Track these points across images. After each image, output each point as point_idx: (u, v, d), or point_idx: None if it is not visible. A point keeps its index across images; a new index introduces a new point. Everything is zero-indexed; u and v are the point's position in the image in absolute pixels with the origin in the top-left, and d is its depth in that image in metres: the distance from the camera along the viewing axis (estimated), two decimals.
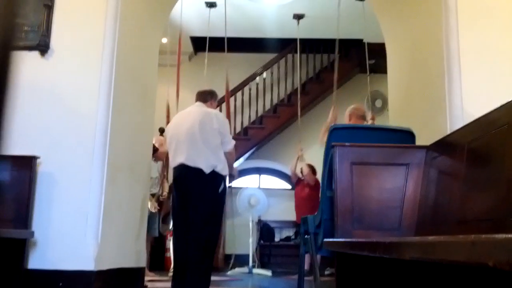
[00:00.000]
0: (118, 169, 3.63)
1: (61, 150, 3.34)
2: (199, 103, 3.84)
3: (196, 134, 3.59)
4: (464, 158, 2.10)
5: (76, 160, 3.34)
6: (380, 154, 2.59)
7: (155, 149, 5.21)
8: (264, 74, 8.57)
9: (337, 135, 2.85)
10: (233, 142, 3.79)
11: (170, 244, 5.98)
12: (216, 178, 3.60)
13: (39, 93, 3.41)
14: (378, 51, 5.27)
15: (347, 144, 2.59)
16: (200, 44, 8.62)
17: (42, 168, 3.29)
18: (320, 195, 3.01)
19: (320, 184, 3.16)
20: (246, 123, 8.44)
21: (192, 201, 3.55)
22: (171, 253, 5.96)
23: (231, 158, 3.81)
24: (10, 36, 0.54)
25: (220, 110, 7.22)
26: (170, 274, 4.40)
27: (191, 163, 3.55)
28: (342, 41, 6.09)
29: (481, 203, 1.89)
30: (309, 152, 6.69)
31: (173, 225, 3.78)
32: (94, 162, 3.32)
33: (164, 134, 5.00)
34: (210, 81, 6.75)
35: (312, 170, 6.57)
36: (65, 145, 3.35)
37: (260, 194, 7.61)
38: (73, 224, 3.25)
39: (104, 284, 3.31)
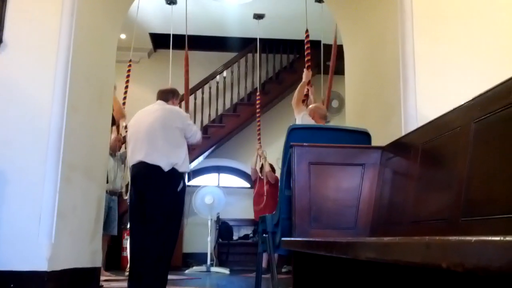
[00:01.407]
0: (73, 168, 3.54)
1: (13, 148, 3.23)
2: (160, 102, 3.80)
3: (157, 131, 3.55)
4: (418, 159, 2.16)
5: (30, 158, 3.23)
6: (337, 154, 2.63)
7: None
8: (224, 73, 8.55)
9: (296, 135, 2.88)
10: (199, 132, 3.82)
11: (127, 243, 5.89)
12: (175, 176, 3.57)
13: None
14: (337, 52, 5.35)
15: (305, 144, 2.62)
16: (159, 41, 8.52)
17: None
18: (278, 194, 3.03)
19: (279, 183, 3.18)
20: (206, 122, 8.40)
21: (150, 200, 3.51)
22: (127, 252, 5.88)
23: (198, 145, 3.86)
24: None
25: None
26: (127, 273, 4.33)
27: (149, 160, 3.51)
28: (301, 42, 6.14)
29: (435, 203, 1.95)
30: (268, 151, 6.70)
31: (130, 224, 3.72)
32: (48, 161, 3.23)
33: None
34: (171, 77, 6.69)
35: (272, 169, 6.61)
36: (18, 143, 3.24)
37: (218, 192, 7.59)
38: (26, 224, 3.15)
39: (57, 285, 3.23)
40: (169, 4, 7.19)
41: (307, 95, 4.78)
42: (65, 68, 3.36)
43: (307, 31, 5.48)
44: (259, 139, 6.65)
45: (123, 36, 7.31)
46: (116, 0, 4.45)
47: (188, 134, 3.68)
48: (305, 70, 5.02)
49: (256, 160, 6.77)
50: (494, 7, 3.33)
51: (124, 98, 5.67)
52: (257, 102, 6.91)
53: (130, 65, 5.82)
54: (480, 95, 1.74)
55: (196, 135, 3.75)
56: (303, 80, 4.85)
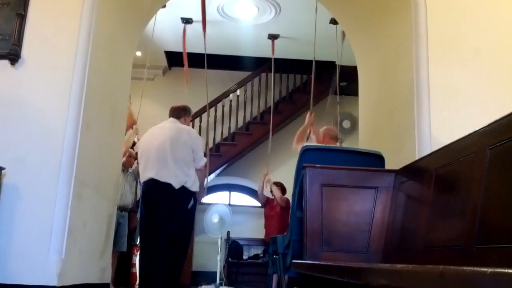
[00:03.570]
0: (85, 185, 3.55)
1: (27, 163, 3.26)
2: (172, 119, 3.82)
3: (167, 150, 3.56)
4: (432, 184, 2.14)
5: (42, 174, 3.25)
6: (350, 176, 2.62)
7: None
8: (238, 92, 8.59)
9: (308, 156, 2.87)
10: (204, 159, 3.78)
11: (137, 260, 5.87)
12: (185, 194, 3.57)
13: (7, 103, 3.33)
14: (350, 73, 5.36)
15: (317, 166, 2.61)
16: (174, 58, 8.60)
17: (7, 180, 3.19)
18: (290, 215, 3.01)
19: (290, 204, 3.16)
20: (218, 139, 8.41)
21: (160, 217, 3.51)
22: (137, 269, 5.85)
23: (202, 175, 3.79)
24: None
25: (193, 126, 7.21)
26: None
27: (160, 178, 3.52)
28: (315, 63, 6.17)
29: (448, 230, 1.92)
30: (279, 171, 6.69)
31: (140, 241, 3.72)
32: (61, 177, 3.24)
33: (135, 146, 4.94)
34: (184, 95, 6.73)
35: (282, 188, 6.57)
36: (32, 158, 3.27)
37: (229, 211, 7.57)
38: (37, 239, 3.16)
39: None
40: (185, 23, 7.28)
41: (308, 137, 4.61)
42: (80, 87, 3.39)
43: (311, 71, 5.44)
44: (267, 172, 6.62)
45: (138, 53, 7.40)
46: (133, 19, 4.52)
47: (195, 155, 3.67)
48: (308, 113, 4.84)
49: (263, 185, 6.74)
50: (508, 35, 3.33)
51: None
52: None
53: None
54: (495, 121, 1.73)
55: (201, 160, 3.73)
56: (305, 123, 4.68)
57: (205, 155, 3.86)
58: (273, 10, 7.07)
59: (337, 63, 6.51)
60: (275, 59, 7.70)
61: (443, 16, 3.35)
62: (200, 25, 6.05)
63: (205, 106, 6.66)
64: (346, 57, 5.88)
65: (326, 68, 8.11)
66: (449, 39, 3.32)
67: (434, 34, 3.30)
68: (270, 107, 7.77)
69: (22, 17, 3.45)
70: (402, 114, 3.50)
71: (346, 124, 8.77)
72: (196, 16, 6.70)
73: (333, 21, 6.29)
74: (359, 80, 4.68)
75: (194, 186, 3.62)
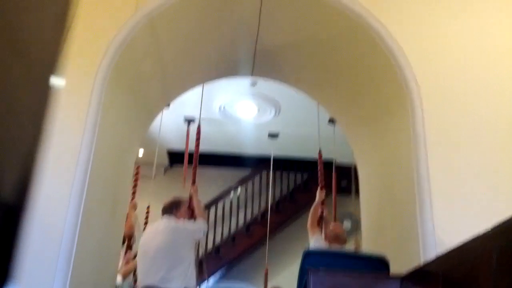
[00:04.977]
0: (81, 286, 3.40)
1: (20, 263, 3.13)
2: (166, 216, 3.83)
3: (164, 255, 3.56)
4: None
5: (37, 275, 3.12)
6: (355, 282, 2.51)
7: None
8: (238, 190, 8.56)
9: (311, 260, 2.78)
10: (202, 224, 3.82)
11: None
12: None
13: None
14: (350, 172, 5.37)
15: (321, 269, 2.51)
16: (175, 157, 8.68)
17: None
18: None
19: None
20: (218, 241, 8.22)
21: None
22: None
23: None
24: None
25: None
26: None
27: (161, 284, 3.43)
28: (314, 162, 6.20)
29: None
30: (281, 275, 6.47)
31: None
32: (56, 278, 3.11)
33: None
34: (185, 194, 6.69)
35: None
36: (26, 258, 3.15)
37: None
38: None
39: None
40: (188, 122, 7.44)
41: (321, 216, 4.70)
42: (81, 185, 3.36)
43: (320, 151, 5.56)
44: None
45: (141, 152, 7.48)
46: (138, 117, 4.61)
47: (196, 237, 3.76)
48: (318, 189, 5.00)
49: None
50: (509, 133, 3.36)
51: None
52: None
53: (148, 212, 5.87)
54: (501, 224, 1.67)
55: (200, 232, 3.82)
56: (317, 200, 4.81)
57: (202, 261, 3.84)
58: (273, 110, 7.26)
59: (334, 162, 6.55)
60: (275, 157, 7.77)
61: (440, 116, 3.41)
62: (203, 123, 6.18)
63: (204, 206, 6.61)
64: (346, 156, 5.93)
65: (325, 167, 8.15)
66: (448, 139, 3.35)
67: (432, 134, 3.34)
68: (270, 206, 7.70)
69: None
70: (404, 214, 3.45)
71: (347, 224, 8.63)
72: (198, 116, 6.87)
73: (332, 121, 6.43)
74: (360, 179, 4.68)
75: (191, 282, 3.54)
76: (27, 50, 0.57)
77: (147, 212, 5.74)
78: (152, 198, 7.24)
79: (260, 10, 3.81)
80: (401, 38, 3.60)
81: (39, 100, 0.59)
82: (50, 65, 0.62)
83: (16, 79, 0.56)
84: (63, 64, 0.66)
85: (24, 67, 0.57)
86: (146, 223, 5.59)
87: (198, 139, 5.39)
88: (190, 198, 4.13)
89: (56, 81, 0.63)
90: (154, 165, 6.31)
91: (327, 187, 8.35)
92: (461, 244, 1.96)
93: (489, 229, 1.75)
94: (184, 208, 4.00)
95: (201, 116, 5.72)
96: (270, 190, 7.93)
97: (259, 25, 3.96)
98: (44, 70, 0.61)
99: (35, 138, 0.59)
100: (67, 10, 0.65)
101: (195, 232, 3.77)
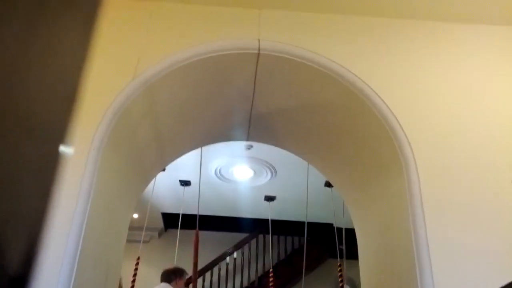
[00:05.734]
0: None
1: None
2: (164, 284, 3.70)
3: None
4: None
5: None
6: None
7: None
8: (235, 254, 8.42)
9: None
10: None
11: None
12: None
13: None
14: (349, 236, 5.32)
15: None
16: (170, 220, 8.61)
17: None
18: None
19: None
20: None
21: None
22: None
23: None
24: None
25: None
26: None
27: None
28: (312, 225, 6.17)
29: None
30: None
31: None
32: None
33: None
34: (179, 258, 6.58)
35: None
36: None
37: None
38: None
39: None
40: (183, 185, 7.44)
41: None
42: (74, 252, 3.30)
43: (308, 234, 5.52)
44: None
45: (135, 215, 7.42)
46: (133, 181, 4.61)
47: None
48: None
49: None
50: (503, 191, 3.37)
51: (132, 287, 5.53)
52: (271, 284, 6.66)
53: (137, 263, 5.77)
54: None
55: None
56: None
57: None
58: (269, 173, 7.29)
59: (334, 225, 6.51)
60: (272, 220, 7.71)
61: (435, 176, 3.43)
62: (197, 187, 6.17)
63: (200, 270, 6.48)
64: (344, 220, 5.90)
65: (323, 230, 8.10)
66: (445, 201, 3.35)
67: (429, 197, 3.34)
68: (268, 271, 7.56)
69: None
70: (404, 277, 3.39)
71: None
72: (194, 178, 6.88)
73: (328, 184, 6.44)
74: (358, 243, 4.63)
75: None
76: (38, 127, 0.60)
77: (137, 264, 5.58)
78: (147, 262, 7.12)
79: (255, 78, 3.92)
80: (392, 103, 3.67)
81: (46, 173, 0.61)
82: (59, 139, 0.64)
83: (25, 155, 0.58)
84: (70, 137, 0.69)
85: (34, 144, 0.59)
86: (134, 280, 5.42)
87: (196, 244, 4.90)
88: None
89: (64, 152, 0.65)
90: (144, 227, 6.22)
91: (327, 251, 8.27)
92: None
93: None
94: (184, 280, 3.90)
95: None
96: (270, 253, 7.81)
97: (254, 92, 4.06)
98: (53, 144, 0.63)
99: (42, 210, 0.60)
100: (78, 85, 0.68)
101: None
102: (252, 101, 4.19)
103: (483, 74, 3.83)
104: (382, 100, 3.67)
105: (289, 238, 8.68)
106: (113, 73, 3.84)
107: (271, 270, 7.39)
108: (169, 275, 3.78)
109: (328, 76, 3.80)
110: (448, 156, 3.51)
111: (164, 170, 6.15)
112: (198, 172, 6.00)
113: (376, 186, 4.12)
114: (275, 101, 4.30)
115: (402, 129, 3.57)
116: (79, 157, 3.54)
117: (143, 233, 6.39)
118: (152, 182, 5.52)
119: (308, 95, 4.12)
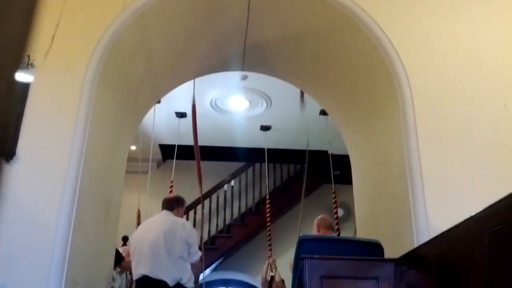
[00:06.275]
0: (76, 284, 3.43)
1: (15, 262, 3.15)
2: (165, 212, 3.78)
3: (161, 244, 3.49)
4: (433, 273, 2.10)
5: (32, 273, 3.14)
6: (350, 267, 2.56)
7: (121, 258, 4.95)
8: (232, 182, 8.61)
9: (306, 247, 2.82)
10: (199, 253, 3.70)
11: None
12: None
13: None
14: (343, 162, 5.42)
15: (316, 256, 2.56)
16: (168, 151, 8.70)
17: None
18: None
19: None
20: (213, 232, 8.29)
21: None
22: None
23: (196, 270, 3.69)
24: None
25: (187, 219, 7.14)
26: None
27: (154, 275, 3.42)
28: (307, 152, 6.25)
29: None
30: (278, 264, 6.51)
31: None
32: (51, 276, 3.13)
33: (128, 242, 4.85)
34: (178, 188, 6.73)
35: (282, 282, 6.37)
36: (21, 257, 3.18)
37: None
38: None
39: None
40: (179, 117, 7.46)
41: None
42: (74, 184, 3.35)
43: (304, 161, 5.59)
44: (270, 248, 6.50)
45: (133, 147, 7.49)
46: (129, 114, 4.61)
47: (189, 249, 3.58)
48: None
49: (267, 270, 6.54)
50: (495, 118, 3.42)
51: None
52: (267, 210, 6.86)
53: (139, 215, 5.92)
54: (492, 205, 1.73)
55: (196, 254, 3.64)
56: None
57: (200, 249, 3.78)
58: (264, 103, 7.30)
59: (329, 152, 6.61)
60: (268, 149, 7.81)
61: (430, 105, 3.46)
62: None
63: (199, 198, 6.64)
64: (338, 146, 5.99)
65: (318, 157, 8.22)
66: (438, 127, 3.40)
67: (422, 123, 3.39)
68: (265, 197, 7.76)
69: (18, 115, 3.50)
70: (397, 202, 3.50)
71: (340, 212, 8.72)
72: (190, 110, 6.89)
73: (323, 112, 6.47)
74: (352, 169, 4.73)
75: (190, 282, 3.50)
76: None
77: (138, 216, 5.78)
78: (146, 193, 7.28)
79: (249, 6, 3.83)
80: (391, 33, 3.62)
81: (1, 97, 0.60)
82: (16, 60, 0.63)
83: None
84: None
85: None
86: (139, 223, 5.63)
87: (194, 119, 5.42)
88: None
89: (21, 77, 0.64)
90: (150, 160, 6.31)
91: (322, 177, 8.45)
92: (451, 227, 2.02)
93: (479, 212, 1.81)
94: (184, 208, 3.99)
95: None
96: (266, 181, 7.99)
97: (248, 20, 3.98)
98: (9, 65, 0.62)
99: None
100: (34, 5, 0.65)
101: (193, 241, 3.62)
102: (246, 31, 4.12)
103: (488, 11, 3.76)
104: (381, 29, 3.62)
105: (284, 166, 8.84)
106: (103, 4, 3.75)
107: (267, 196, 7.60)
108: (171, 203, 3.84)
109: (325, 2, 3.72)
110: (443, 85, 3.53)
111: (159, 102, 6.14)
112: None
113: (371, 115, 4.15)
114: (269, 30, 4.23)
115: (400, 59, 3.55)
116: (73, 91, 3.53)
117: (140, 164, 6.48)
118: (152, 114, 5.54)
119: (303, 23, 4.06)
